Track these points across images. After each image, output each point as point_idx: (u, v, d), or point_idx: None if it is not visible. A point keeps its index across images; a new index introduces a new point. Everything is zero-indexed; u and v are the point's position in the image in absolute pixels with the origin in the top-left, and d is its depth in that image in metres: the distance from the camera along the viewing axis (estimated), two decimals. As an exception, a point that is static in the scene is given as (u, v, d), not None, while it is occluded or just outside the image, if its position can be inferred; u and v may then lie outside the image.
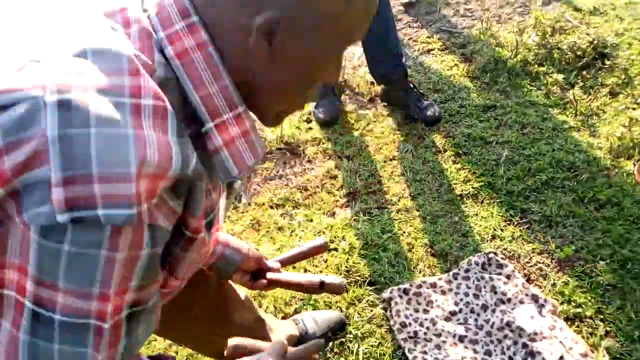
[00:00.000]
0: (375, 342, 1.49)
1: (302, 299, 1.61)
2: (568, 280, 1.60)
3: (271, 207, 2.01)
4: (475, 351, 1.44)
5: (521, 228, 1.81)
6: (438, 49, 2.71)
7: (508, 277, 1.62)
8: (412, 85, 2.32)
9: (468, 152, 2.12)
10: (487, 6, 2.98)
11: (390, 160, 2.14)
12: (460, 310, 1.55)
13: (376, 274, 1.67)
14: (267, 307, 1.58)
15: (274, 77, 0.59)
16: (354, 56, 2.75)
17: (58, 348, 0.50)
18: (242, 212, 2.01)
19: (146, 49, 0.53)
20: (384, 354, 1.45)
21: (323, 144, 2.26)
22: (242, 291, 1.16)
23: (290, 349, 0.78)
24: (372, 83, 2.49)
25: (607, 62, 2.46)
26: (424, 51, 2.73)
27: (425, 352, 1.42)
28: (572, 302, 1.55)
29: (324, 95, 2.39)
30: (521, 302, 1.52)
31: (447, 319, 1.53)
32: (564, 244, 1.72)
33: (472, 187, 1.96)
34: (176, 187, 0.52)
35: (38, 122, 0.44)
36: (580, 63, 2.45)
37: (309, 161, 2.20)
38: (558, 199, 1.87)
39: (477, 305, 1.55)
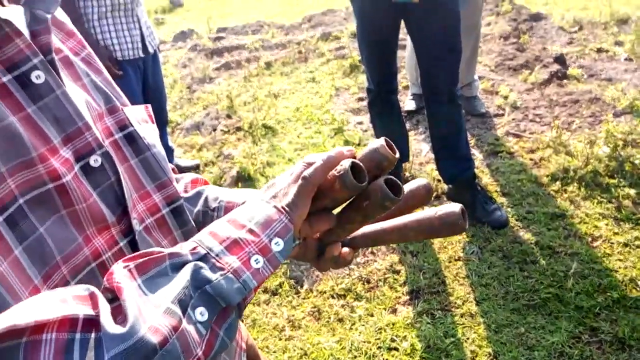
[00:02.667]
0: None
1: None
2: (644, 414, 1.51)
3: (332, 297, 2.04)
4: None
5: (591, 347, 1.74)
6: (506, 152, 2.76)
7: (578, 401, 1.54)
8: (479, 187, 2.36)
9: (535, 260, 2.09)
10: (557, 114, 3.04)
11: (455, 260, 2.14)
12: None
13: (437, 381, 1.64)
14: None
15: None
16: (422, 152, 2.85)
17: None
18: (304, 298, 2.05)
19: None
20: None
21: (387, 236, 2.31)
22: None
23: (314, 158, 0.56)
24: (438, 180, 2.55)
25: (683, 180, 2.42)
26: (492, 153, 2.78)
27: None
28: None
29: (391, 188, 2.47)
30: None
31: None
32: (639, 372, 1.64)
33: (540, 298, 1.92)
34: None
35: None
36: (654, 178, 2.42)
37: (373, 253, 2.24)
38: (631, 320, 1.79)
39: None
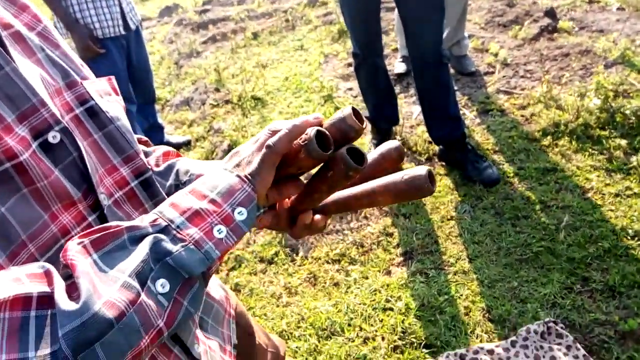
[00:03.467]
0: (430, 408, 1.48)
1: None
2: (633, 355, 1.54)
3: (327, 262, 2.06)
4: None
5: (582, 297, 1.77)
6: (497, 110, 2.74)
7: (568, 347, 1.58)
8: (470, 147, 2.35)
9: (527, 215, 2.11)
10: (547, 68, 3.00)
11: (448, 220, 2.16)
12: (519, 381, 1.53)
13: (432, 337, 1.67)
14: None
15: None
16: (412, 115, 2.83)
17: None
18: (299, 265, 2.07)
19: None
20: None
21: (380, 200, 2.32)
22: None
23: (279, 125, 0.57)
24: (429, 142, 2.54)
25: (674, 128, 2.41)
26: (482, 112, 2.77)
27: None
28: (639, 381, 1.49)
29: (382, 152, 2.47)
30: (584, 377, 1.47)
31: (504, 390, 1.51)
32: (629, 316, 1.67)
33: (532, 252, 1.95)
34: None
35: None
36: (645, 127, 2.41)
37: (365, 217, 2.25)
38: (622, 268, 1.82)
39: (536, 377, 1.52)
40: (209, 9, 4.75)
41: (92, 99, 0.61)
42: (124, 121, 0.64)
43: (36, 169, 0.50)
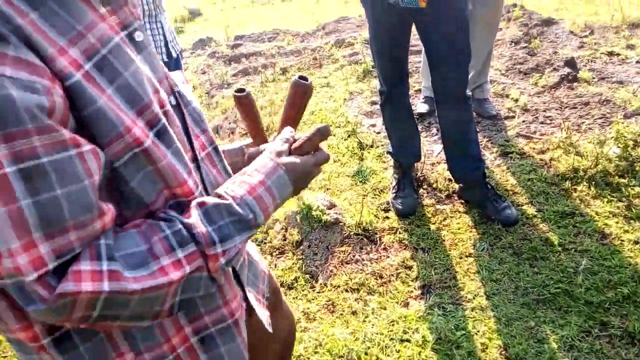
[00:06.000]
0: None
1: None
2: (652, 404, 1.54)
3: (346, 291, 2.10)
4: None
5: (601, 341, 1.77)
6: (516, 153, 2.80)
7: (586, 391, 1.58)
8: (489, 186, 2.41)
9: (545, 256, 2.13)
10: (567, 115, 3.08)
11: (466, 256, 2.19)
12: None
13: (448, 370, 1.68)
14: None
15: None
16: (433, 153, 2.90)
17: (62, 193, 0.55)
18: (318, 292, 2.11)
19: None
20: None
21: (400, 233, 2.37)
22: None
23: (298, 135, 0.87)
24: (450, 180, 2.60)
25: (694, 180, 2.44)
26: (502, 154, 2.83)
27: None
28: None
29: (403, 187, 2.53)
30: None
31: None
32: (648, 364, 1.67)
33: (549, 293, 1.96)
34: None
35: None
36: (665, 178, 2.45)
37: (385, 249, 2.30)
38: (641, 315, 1.83)
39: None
40: (240, 43, 4.96)
41: (177, 86, 0.80)
42: (196, 102, 0.83)
43: (156, 153, 0.67)
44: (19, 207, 0.53)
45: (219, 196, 0.71)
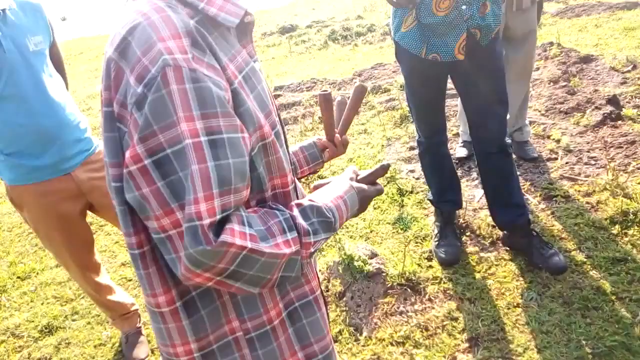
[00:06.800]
0: None
1: None
2: None
3: (391, 344, 2.08)
4: None
5: (664, 399, 1.68)
6: (561, 196, 2.75)
7: None
8: (535, 233, 2.36)
9: (598, 306, 2.06)
10: (612, 155, 3.01)
11: (514, 307, 2.14)
12: None
13: None
14: None
15: None
16: (475, 198, 2.89)
17: (232, 162, 0.73)
18: (363, 346, 2.10)
19: None
20: None
21: (444, 283, 2.34)
22: None
23: (361, 172, 1.05)
24: (493, 226, 2.57)
25: None
26: (546, 197, 2.78)
27: None
28: None
29: (445, 235, 2.52)
30: None
31: None
32: None
33: (605, 346, 1.88)
34: (195, 43, 0.74)
35: None
36: None
37: (430, 300, 2.27)
38: None
39: None
40: (280, 94, 5.14)
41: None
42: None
43: (274, 147, 0.86)
44: (206, 167, 0.70)
45: (311, 200, 0.88)
